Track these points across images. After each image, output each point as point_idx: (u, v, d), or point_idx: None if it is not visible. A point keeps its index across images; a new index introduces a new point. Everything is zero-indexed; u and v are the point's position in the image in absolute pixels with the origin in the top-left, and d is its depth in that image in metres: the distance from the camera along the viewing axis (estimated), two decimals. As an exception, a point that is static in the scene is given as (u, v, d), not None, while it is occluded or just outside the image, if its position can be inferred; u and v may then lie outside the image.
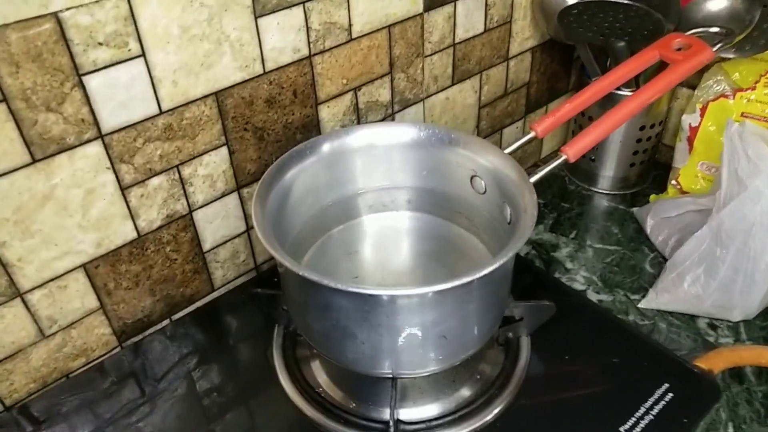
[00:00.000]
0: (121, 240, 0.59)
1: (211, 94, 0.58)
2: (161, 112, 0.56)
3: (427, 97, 0.77)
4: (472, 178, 0.60)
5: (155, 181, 0.59)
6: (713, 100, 0.85)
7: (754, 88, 0.82)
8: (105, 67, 0.51)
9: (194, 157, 0.60)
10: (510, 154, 0.57)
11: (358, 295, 0.44)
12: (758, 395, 0.64)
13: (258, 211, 0.50)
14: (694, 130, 0.87)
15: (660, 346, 0.62)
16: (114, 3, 0.49)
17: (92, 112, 0.52)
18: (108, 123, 0.53)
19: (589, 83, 0.88)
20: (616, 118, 0.55)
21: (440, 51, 0.75)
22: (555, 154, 1.02)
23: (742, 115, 0.83)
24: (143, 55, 0.52)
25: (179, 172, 0.60)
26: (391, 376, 0.52)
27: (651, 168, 0.94)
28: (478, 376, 0.59)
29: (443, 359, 0.51)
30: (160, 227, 0.61)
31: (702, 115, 0.86)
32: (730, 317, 0.73)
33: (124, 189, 0.57)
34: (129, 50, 0.51)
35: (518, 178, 0.54)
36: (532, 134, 0.59)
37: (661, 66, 0.68)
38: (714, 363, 0.61)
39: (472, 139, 0.59)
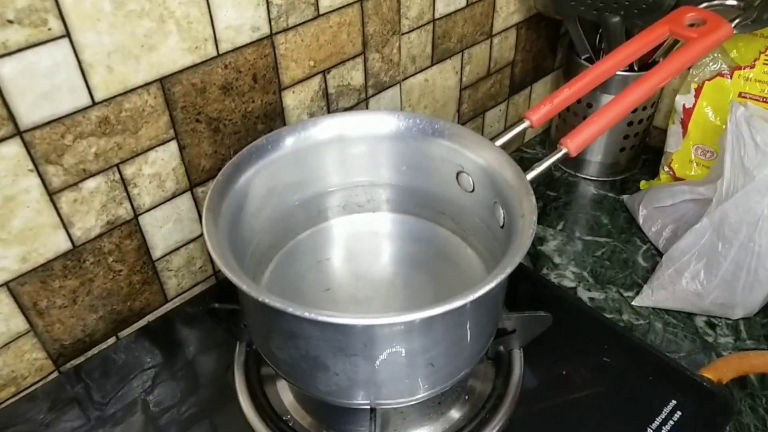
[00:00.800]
0: (53, 252, 0.51)
1: (155, 81, 0.50)
2: (94, 104, 0.47)
3: (404, 80, 0.70)
4: (458, 174, 0.53)
5: (91, 184, 0.50)
6: (709, 80, 0.79)
7: (753, 66, 0.76)
8: (19, 51, 0.42)
9: (138, 154, 0.52)
10: (501, 146, 0.51)
11: (330, 324, 0.37)
12: (762, 401, 0.60)
13: (210, 223, 0.42)
14: (688, 112, 0.81)
15: (664, 357, 0.56)
16: (25, -29, 0.40)
17: (6, 104, 0.43)
18: (28, 118, 0.44)
19: (577, 62, 0.82)
20: (623, 106, 0.48)
21: (418, 28, 0.67)
22: (540, 138, 0.96)
23: (740, 95, 0.78)
24: (68, 35, 0.44)
25: (120, 172, 0.52)
26: (369, 406, 0.45)
27: (641, 152, 0.89)
28: (467, 396, 0.53)
29: (429, 387, 0.45)
30: (99, 235, 0.53)
31: (697, 96, 0.80)
32: (731, 315, 0.68)
33: (52, 194, 0.48)
34: (49, 30, 0.43)
35: (513, 176, 0.47)
36: (525, 124, 0.52)
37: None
38: (722, 373, 0.56)
39: (458, 130, 0.52)
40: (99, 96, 0.47)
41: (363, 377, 0.42)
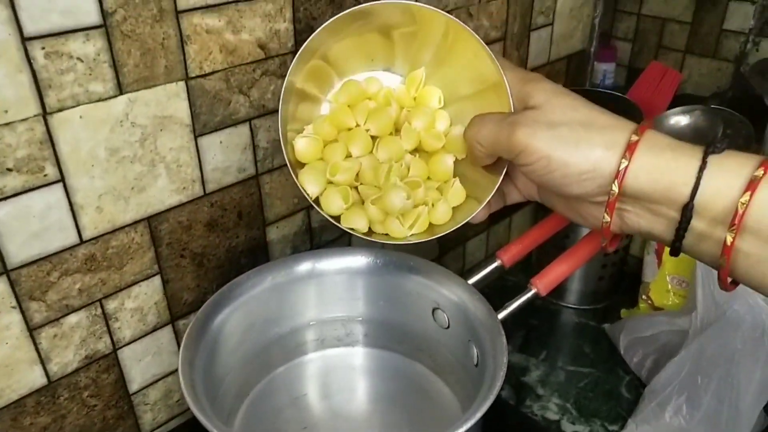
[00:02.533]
0: (26, 389, 0.50)
1: (142, 220, 0.52)
2: (82, 242, 0.49)
3: (385, 213, 0.72)
4: (434, 310, 0.54)
5: (72, 319, 0.51)
6: (680, 213, 0.82)
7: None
8: (15, 195, 0.44)
9: (121, 290, 0.53)
10: (474, 283, 0.52)
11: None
12: None
13: (186, 363, 0.43)
14: (661, 244, 0.84)
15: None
16: (28, 125, 0.43)
17: (-4, 246, 0.45)
18: (16, 257, 0.46)
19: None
20: (595, 245, 0.50)
21: (398, 165, 0.71)
22: (522, 265, 0.97)
23: (709, 228, 0.80)
24: (62, 180, 0.46)
25: (102, 307, 0.53)
26: None
27: (620, 280, 0.91)
28: None
29: None
30: (76, 370, 0.53)
31: (669, 228, 0.83)
32: (718, 452, 0.67)
33: (32, 330, 0.49)
34: (45, 176, 0.45)
35: (484, 315, 0.48)
36: (497, 263, 0.54)
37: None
38: None
39: (433, 268, 0.54)
40: (87, 235, 0.49)
41: None
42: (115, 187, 0.49)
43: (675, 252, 0.37)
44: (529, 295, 0.49)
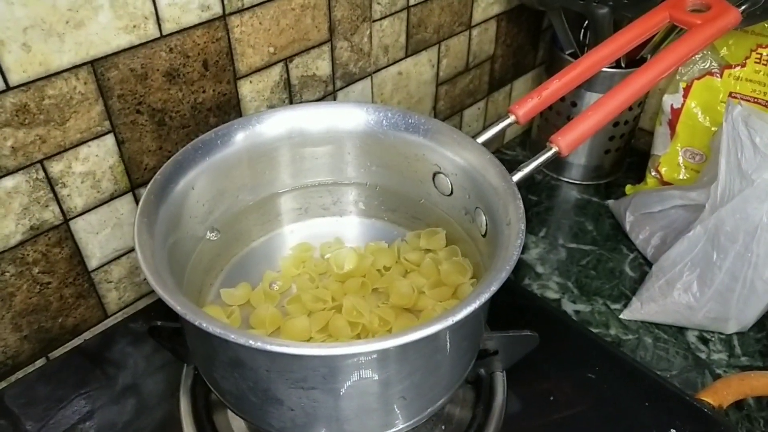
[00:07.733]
0: (-39, 263, 0.43)
1: (84, 64, 0.43)
2: (9, 88, 0.40)
3: (375, 72, 0.63)
4: (434, 175, 0.47)
5: (8, 183, 0.43)
6: (698, 79, 0.75)
7: (744, 65, 0.72)
8: None
9: (66, 149, 0.45)
10: (484, 143, 0.45)
11: (282, 354, 0.31)
12: (760, 423, 0.55)
13: (143, 230, 0.36)
14: (676, 113, 0.77)
15: (660, 379, 0.51)
16: None
17: None
18: (-76, 103, 0.37)
19: (561, 57, 0.76)
20: (620, 101, 0.43)
21: (391, 15, 0.61)
22: (520, 139, 0.91)
23: (730, 95, 0.73)
24: (-29, 4, 0.37)
25: (45, 170, 0.45)
26: (332, 443, 0.39)
27: (626, 155, 0.84)
28: (444, 426, 0.47)
29: (401, 421, 0.39)
30: (21, 243, 0.46)
31: (685, 96, 0.76)
32: (724, 329, 0.64)
33: (-42, 194, 0.41)
34: (-53, -3, 0.36)
35: (497, 178, 0.41)
36: (510, 119, 0.46)
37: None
38: (723, 397, 0.51)
39: (435, 125, 0.46)
40: (15, 79, 0.40)
41: (323, 413, 0.36)
42: (44, 19, 0.40)
43: None
44: (548, 154, 0.42)
